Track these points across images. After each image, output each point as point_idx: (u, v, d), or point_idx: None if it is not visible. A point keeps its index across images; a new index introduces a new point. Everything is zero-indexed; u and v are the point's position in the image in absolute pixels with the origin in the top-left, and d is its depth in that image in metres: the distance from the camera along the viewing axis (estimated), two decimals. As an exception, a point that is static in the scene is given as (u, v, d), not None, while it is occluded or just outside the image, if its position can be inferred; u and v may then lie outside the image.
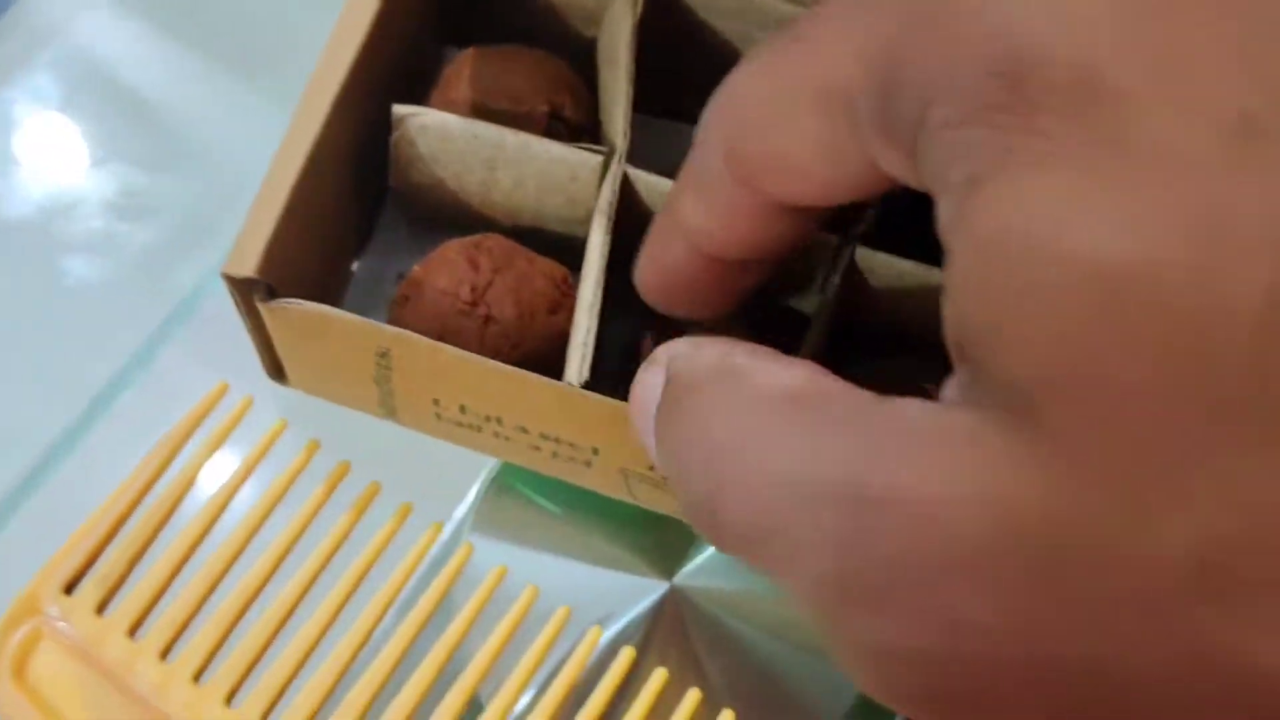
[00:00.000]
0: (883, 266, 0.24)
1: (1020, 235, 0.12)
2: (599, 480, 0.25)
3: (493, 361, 0.22)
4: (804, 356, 0.17)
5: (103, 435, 0.32)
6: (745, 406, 0.16)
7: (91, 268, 0.34)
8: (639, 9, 0.25)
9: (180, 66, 0.37)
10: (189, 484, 0.26)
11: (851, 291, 0.25)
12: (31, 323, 0.34)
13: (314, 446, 0.26)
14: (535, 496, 0.29)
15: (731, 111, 0.18)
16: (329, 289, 0.26)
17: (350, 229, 0.27)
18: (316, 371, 0.25)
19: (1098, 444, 0.12)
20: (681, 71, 0.28)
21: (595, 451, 0.24)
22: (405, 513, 0.26)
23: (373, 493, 0.26)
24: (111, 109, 0.37)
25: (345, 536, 0.26)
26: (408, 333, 0.22)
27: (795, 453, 0.14)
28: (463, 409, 0.24)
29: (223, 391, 0.26)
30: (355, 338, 0.22)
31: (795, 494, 0.14)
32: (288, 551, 0.26)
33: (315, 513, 0.26)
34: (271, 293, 0.22)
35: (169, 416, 0.30)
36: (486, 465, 0.30)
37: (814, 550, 0.13)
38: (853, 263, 0.24)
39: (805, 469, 0.14)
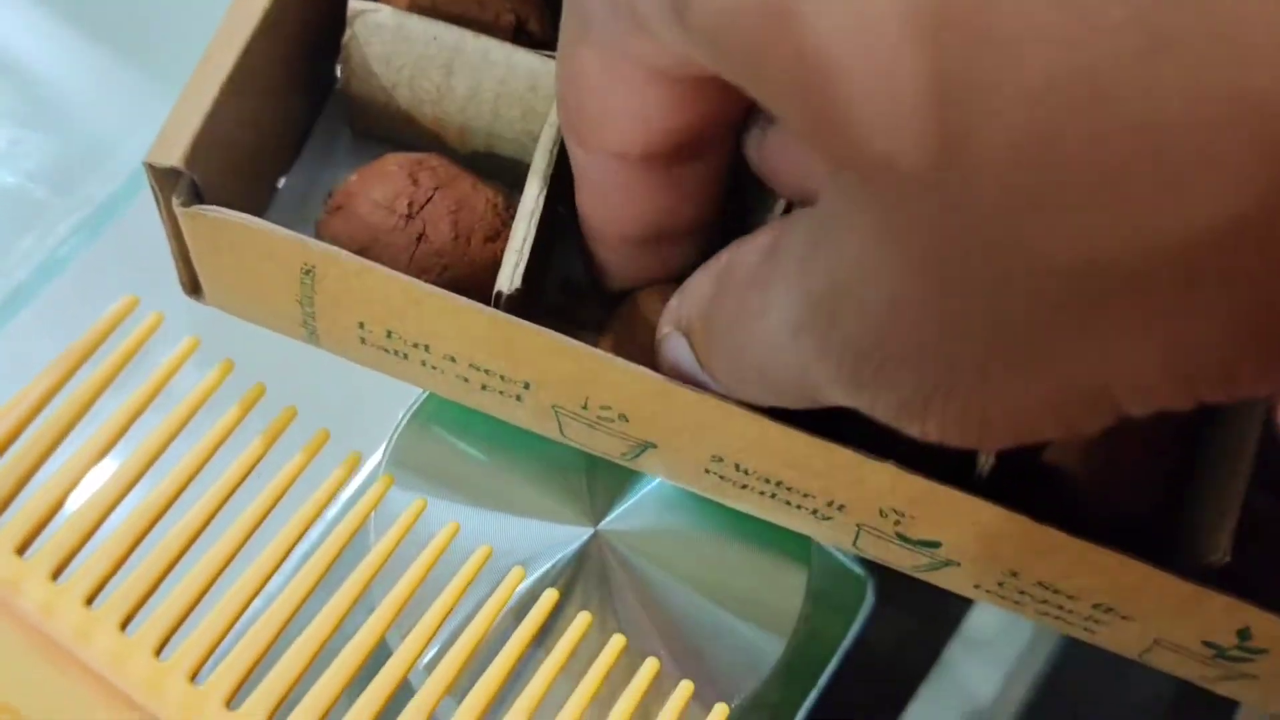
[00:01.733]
0: None
1: None
2: (529, 417, 0.24)
3: (424, 284, 0.21)
4: None
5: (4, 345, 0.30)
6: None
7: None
8: None
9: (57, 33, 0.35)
10: (90, 401, 0.24)
11: None
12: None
13: (228, 366, 0.25)
14: (456, 440, 0.28)
15: (561, 100, 0.20)
16: (254, 204, 0.25)
17: (282, 140, 0.25)
18: (235, 287, 0.23)
19: None
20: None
21: (526, 386, 0.23)
22: (322, 440, 0.25)
23: (288, 418, 0.25)
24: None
25: (256, 463, 0.25)
26: (336, 249, 0.21)
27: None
28: (389, 334, 0.22)
29: (131, 306, 0.24)
30: (279, 252, 0.21)
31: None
32: (194, 476, 0.24)
33: (226, 436, 0.25)
34: (195, 190, 0.21)
35: (74, 332, 0.29)
36: (407, 400, 0.28)
37: None
38: None
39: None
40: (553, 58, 0.23)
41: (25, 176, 0.32)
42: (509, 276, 0.21)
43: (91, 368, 0.25)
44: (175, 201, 0.21)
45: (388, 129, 0.25)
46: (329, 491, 0.24)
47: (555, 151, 0.22)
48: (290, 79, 0.24)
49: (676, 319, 0.20)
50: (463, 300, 0.21)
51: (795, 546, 0.27)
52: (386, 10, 0.23)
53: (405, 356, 0.23)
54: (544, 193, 0.22)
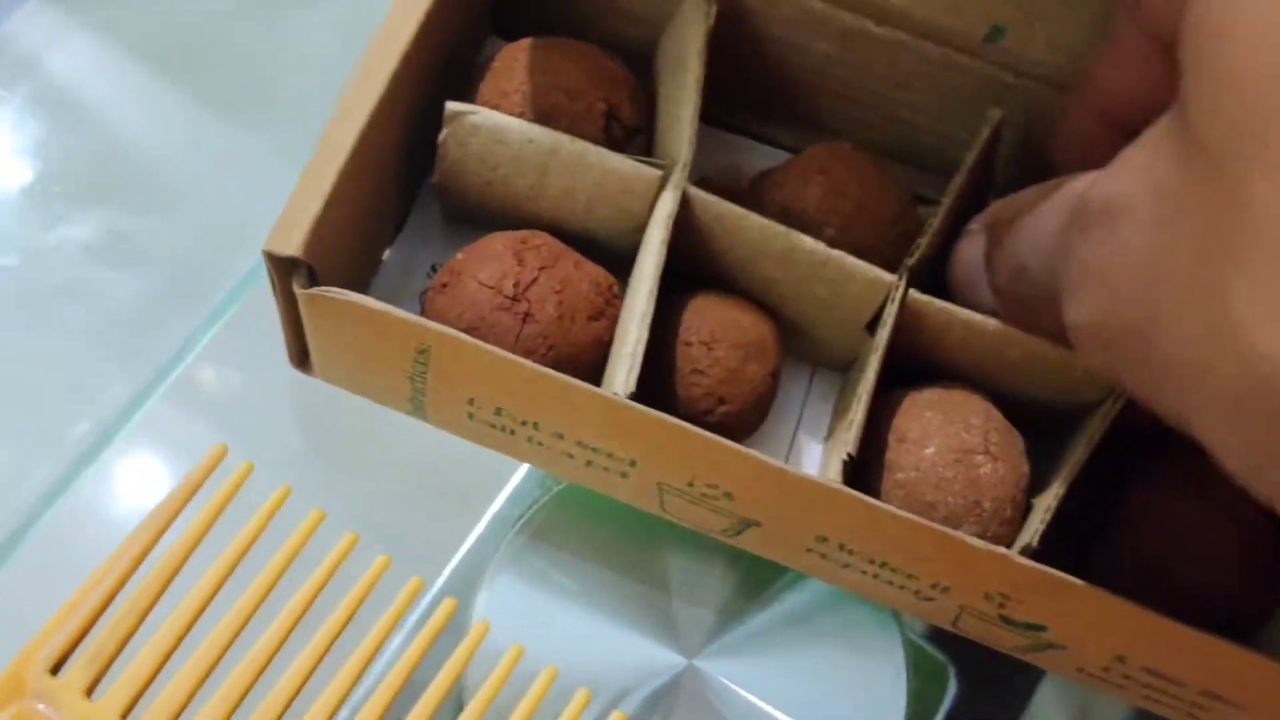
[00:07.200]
0: (936, 313, 0.24)
1: None
2: (631, 492, 0.23)
3: (540, 367, 0.20)
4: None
5: (90, 491, 0.28)
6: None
7: (77, 317, 0.31)
8: (712, 18, 0.24)
9: (162, 99, 0.34)
10: (185, 557, 0.24)
11: (903, 335, 0.24)
12: (13, 372, 0.30)
13: (319, 516, 0.24)
14: (548, 569, 0.27)
15: None
16: (361, 276, 0.25)
17: (387, 217, 0.25)
18: (346, 363, 0.23)
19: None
20: (742, 84, 0.27)
21: (633, 463, 0.22)
22: (417, 588, 0.24)
23: (383, 566, 0.24)
24: (93, 146, 0.34)
25: (354, 613, 0.24)
26: (452, 331, 0.20)
27: None
28: (498, 411, 0.22)
29: (222, 455, 0.24)
30: (397, 332, 0.21)
31: None
32: (291, 630, 0.24)
33: (320, 589, 0.24)
34: (312, 276, 0.21)
35: (160, 470, 0.27)
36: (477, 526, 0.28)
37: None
38: (905, 303, 0.24)
39: None
40: (647, 163, 0.23)
41: (108, 315, 0.30)
42: (623, 380, 0.21)
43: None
44: (295, 284, 0.20)
45: (480, 215, 0.25)
46: (392, 616, 0.23)
47: (664, 253, 0.22)
48: (397, 163, 0.24)
49: (989, 219, 0.22)
50: (575, 382, 0.20)
51: (892, 664, 0.27)
52: (483, 113, 0.23)
53: (512, 433, 0.23)
54: (655, 294, 0.22)
